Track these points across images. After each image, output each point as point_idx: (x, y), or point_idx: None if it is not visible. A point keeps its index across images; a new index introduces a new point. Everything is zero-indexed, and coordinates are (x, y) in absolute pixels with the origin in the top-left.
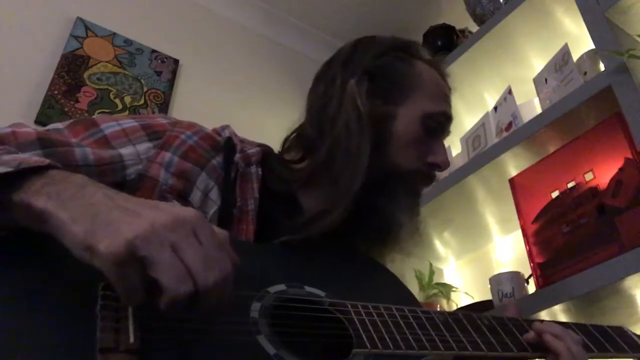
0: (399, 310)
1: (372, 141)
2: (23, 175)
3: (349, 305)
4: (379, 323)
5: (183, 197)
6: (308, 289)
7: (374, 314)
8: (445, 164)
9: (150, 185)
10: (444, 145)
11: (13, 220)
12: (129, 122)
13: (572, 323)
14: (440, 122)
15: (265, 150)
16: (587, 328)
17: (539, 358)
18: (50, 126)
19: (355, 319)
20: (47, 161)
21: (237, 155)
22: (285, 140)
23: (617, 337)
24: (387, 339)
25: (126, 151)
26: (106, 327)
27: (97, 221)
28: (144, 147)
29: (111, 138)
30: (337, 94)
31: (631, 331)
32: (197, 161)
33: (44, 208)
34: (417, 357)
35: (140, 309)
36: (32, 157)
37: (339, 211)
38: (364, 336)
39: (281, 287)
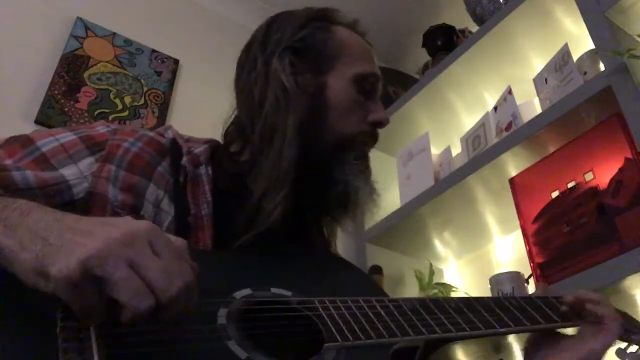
0: (367, 301)
1: (307, 115)
2: None
3: (317, 302)
4: (347, 316)
5: (135, 212)
6: (274, 290)
7: (342, 307)
8: (385, 120)
9: (100, 202)
10: (380, 103)
11: None
12: (67, 136)
13: (535, 297)
14: (372, 81)
15: (213, 145)
16: (549, 300)
17: (502, 335)
18: None
19: (324, 314)
20: None
21: (184, 159)
22: (226, 133)
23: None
24: (357, 330)
25: (68, 171)
26: (69, 349)
27: (47, 245)
28: (86, 163)
29: (50, 155)
30: (261, 75)
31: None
32: (143, 171)
33: None
34: (388, 345)
35: (104, 327)
36: None
37: (283, 191)
38: (333, 330)
39: (247, 291)
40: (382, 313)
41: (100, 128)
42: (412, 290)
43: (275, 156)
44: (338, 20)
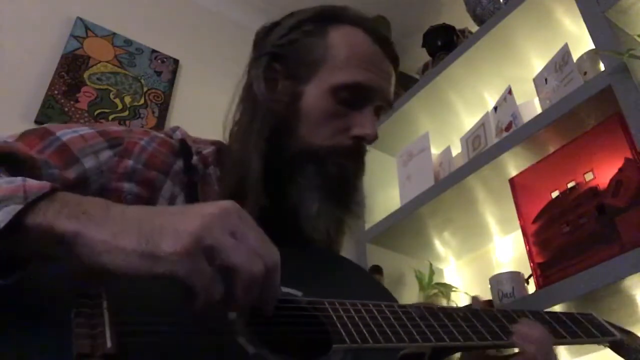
0: (376, 305)
1: (279, 123)
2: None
3: (326, 303)
4: (356, 318)
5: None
6: (285, 289)
7: (351, 310)
8: (370, 136)
9: (115, 196)
10: (370, 116)
11: (25, 249)
12: (84, 129)
13: (543, 311)
14: (356, 92)
15: (220, 147)
16: (557, 316)
17: (509, 346)
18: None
19: (333, 316)
20: (48, 185)
21: (195, 158)
22: (231, 134)
23: (587, 324)
24: (366, 333)
25: (89, 164)
26: (82, 334)
27: (145, 229)
28: (105, 156)
29: (70, 144)
30: (245, 80)
31: (600, 317)
32: (160, 168)
33: (74, 230)
34: (395, 349)
35: (116, 314)
36: (30, 182)
37: (253, 197)
38: (342, 332)
39: None
40: (391, 318)
41: (112, 127)
42: (412, 290)
43: (247, 165)
44: (344, 19)
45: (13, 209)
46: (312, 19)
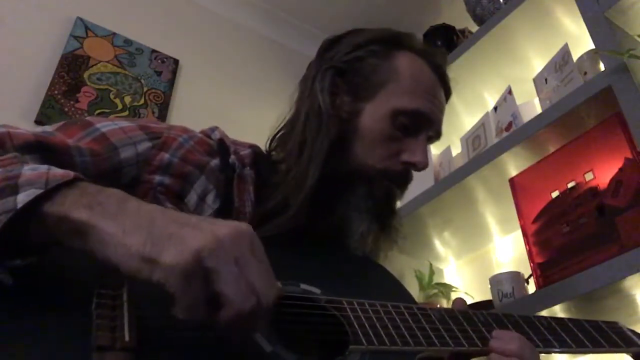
0: (395, 307)
1: (335, 138)
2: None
3: (345, 303)
4: (375, 320)
5: (179, 198)
6: (303, 286)
7: (370, 310)
8: (421, 164)
9: (144, 188)
10: (423, 144)
11: (44, 235)
12: (124, 123)
13: (566, 318)
14: (415, 119)
15: (256, 151)
16: (581, 323)
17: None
18: (39, 129)
19: (352, 316)
20: (72, 174)
21: (232, 157)
22: (272, 138)
23: (612, 333)
24: (383, 336)
25: (126, 154)
26: (102, 326)
27: (154, 233)
28: (144, 147)
29: (110, 135)
30: (306, 90)
31: (626, 326)
32: (196, 164)
33: (86, 220)
34: (413, 352)
35: (136, 308)
36: (54, 170)
37: (295, 208)
38: (360, 333)
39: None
40: (410, 320)
41: (152, 123)
42: (412, 290)
43: (300, 176)
44: (408, 46)
45: (32, 192)
46: (378, 41)
